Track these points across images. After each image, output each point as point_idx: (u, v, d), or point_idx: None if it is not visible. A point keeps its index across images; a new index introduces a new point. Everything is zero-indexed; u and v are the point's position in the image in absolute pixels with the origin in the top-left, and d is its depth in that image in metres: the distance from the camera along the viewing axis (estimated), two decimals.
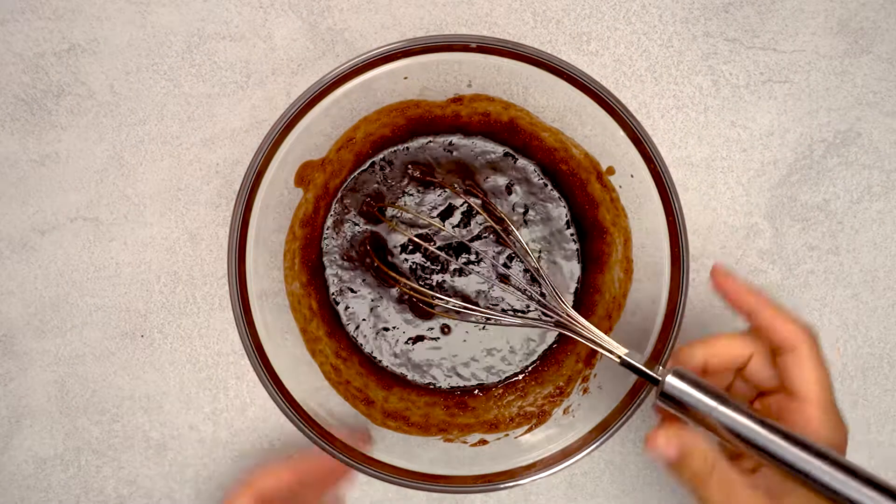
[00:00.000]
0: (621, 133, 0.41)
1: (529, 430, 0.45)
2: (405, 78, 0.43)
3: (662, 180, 0.40)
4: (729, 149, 0.51)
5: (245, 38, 0.51)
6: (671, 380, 0.35)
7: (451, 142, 0.49)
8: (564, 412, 0.44)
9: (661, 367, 0.38)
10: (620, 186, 0.44)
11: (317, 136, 0.43)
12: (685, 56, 0.51)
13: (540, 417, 0.45)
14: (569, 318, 0.41)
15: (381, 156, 0.49)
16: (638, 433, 0.51)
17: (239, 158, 0.51)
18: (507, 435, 0.45)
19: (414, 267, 0.49)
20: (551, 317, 0.43)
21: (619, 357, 0.37)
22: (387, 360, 0.49)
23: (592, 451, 0.39)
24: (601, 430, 0.39)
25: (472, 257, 0.49)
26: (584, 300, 0.49)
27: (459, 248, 0.49)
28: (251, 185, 0.40)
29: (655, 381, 0.36)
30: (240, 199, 0.40)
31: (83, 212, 0.51)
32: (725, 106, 0.51)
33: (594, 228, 0.48)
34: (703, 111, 0.51)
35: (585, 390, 0.44)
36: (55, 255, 0.51)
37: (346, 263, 0.49)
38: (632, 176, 0.42)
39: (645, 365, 0.37)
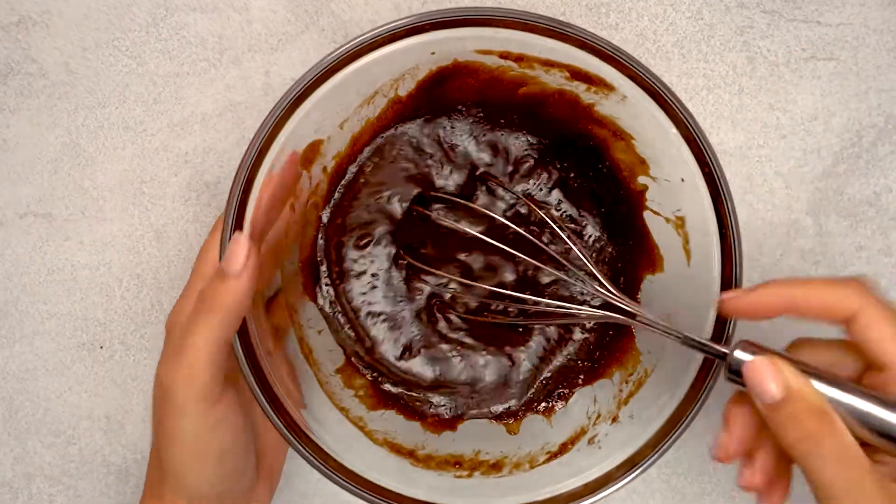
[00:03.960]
0: (662, 115, 0.36)
1: (548, 461, 0.41)
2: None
3: (717, 186, 0.35)
4: (767, 135, 0.47)
5: (218, 9, 0.47)
6: (740, 354, 0.32)
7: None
8: (589, 442, 0.41)
9: (725, 343, 0.35)
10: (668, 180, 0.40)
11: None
12: (717, 30, 0.47)
13: (561, 447, 0.42)
14: (634, 307, 0.37)
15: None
16: (670, 468, 0.47)
17: (211, 146, 0.47)
18: (523, 464, 0.41)
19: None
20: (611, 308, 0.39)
21: (682, 335, 0.34)
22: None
23: (620, 488, 0.35)
24: (630, 465, 0.35)
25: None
26: None
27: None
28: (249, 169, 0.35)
29: (722, 356, 0.33)
30: (235, 189, 0.35)
31: (34, 207, 0.47)
32: (763, 87, 0.47)
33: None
34: (737, 92, 0.47)
35: (614, 419, 0.41)
36: (2, 256, 0.47)
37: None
38: (682, 180, 0.37)
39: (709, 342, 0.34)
